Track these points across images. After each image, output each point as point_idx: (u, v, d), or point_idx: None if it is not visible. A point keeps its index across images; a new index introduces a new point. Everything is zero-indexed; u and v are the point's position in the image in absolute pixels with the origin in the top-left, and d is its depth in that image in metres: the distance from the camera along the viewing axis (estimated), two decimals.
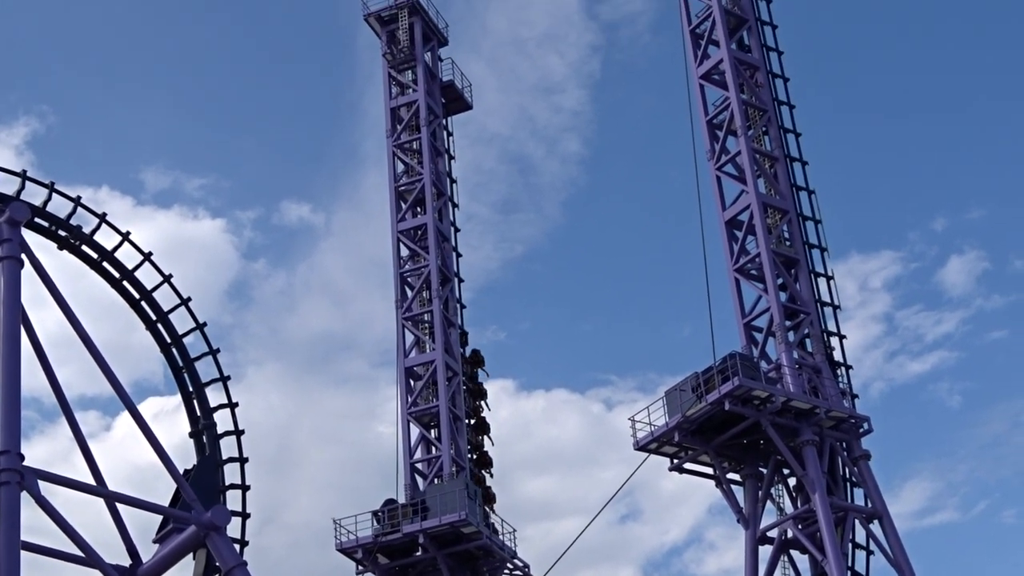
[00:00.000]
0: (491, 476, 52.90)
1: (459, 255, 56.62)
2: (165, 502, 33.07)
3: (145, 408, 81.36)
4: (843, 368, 48.36)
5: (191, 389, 38.28)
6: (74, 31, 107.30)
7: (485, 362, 54.87)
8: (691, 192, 51.40)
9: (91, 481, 31.46)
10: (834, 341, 48.78)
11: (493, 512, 51.72)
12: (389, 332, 54.44)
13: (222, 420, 37.33)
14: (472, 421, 53.41)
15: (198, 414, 37.90)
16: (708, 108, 52.11)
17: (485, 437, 53.55)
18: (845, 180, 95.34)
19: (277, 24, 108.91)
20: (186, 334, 38.34)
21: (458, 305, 55.40)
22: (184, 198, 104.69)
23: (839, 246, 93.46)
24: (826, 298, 49.42)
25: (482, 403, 53.99)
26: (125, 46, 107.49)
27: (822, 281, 49.66)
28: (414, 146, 57.37)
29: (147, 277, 37.41)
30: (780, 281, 48.96)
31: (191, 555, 34.26)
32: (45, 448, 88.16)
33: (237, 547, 35.44)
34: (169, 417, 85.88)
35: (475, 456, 52.76)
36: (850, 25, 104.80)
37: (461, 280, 56.17)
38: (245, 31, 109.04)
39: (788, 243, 49.80)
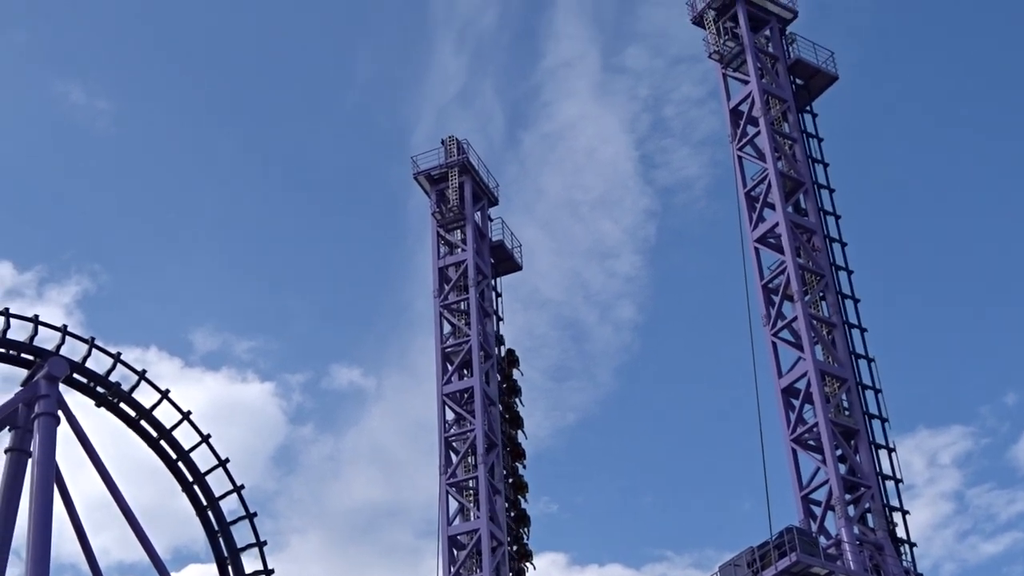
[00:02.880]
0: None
1: (516, 424, 57.23)
2: None
3: None
4: (907, 545, 47.58)
5: (226, 554, 38.18)
6: (128, 190, 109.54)
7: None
8: (746, 359, 51.31)
9: None
10: (897, 517, 48.02)
11: None
12: (435, 500, 54.29)
13: None
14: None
15: None
16: (764, 272, 52.25)
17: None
18: (911, 350, 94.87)
19: (328, 182, 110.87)
20: (223, 496, 38.31)
21: (504, 471, 55.21)
22: (233, 360, 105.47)
23: (905, 419, 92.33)
24: (888, 471, 48.79)
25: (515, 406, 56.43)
26: (178, 205, 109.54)
27: (884, 453, 49.13)
28: (462, 307, 57.78)
29: (186, 437, 37.70)
30: (839, 453, 48.49)
31: None
32: None
33: None
34: None
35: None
36: (915, 179, 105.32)
37: (522, 454, 56.54)
38: (296, 189, 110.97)
39: (847, 413, 49.42)
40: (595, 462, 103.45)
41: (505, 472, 55.61)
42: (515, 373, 58.33)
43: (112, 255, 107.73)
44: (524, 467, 56.57)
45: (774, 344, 50.84)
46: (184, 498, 37.86)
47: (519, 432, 57.06)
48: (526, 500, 56.09)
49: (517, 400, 57.80)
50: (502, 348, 58.59)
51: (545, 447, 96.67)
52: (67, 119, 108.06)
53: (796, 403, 49.38)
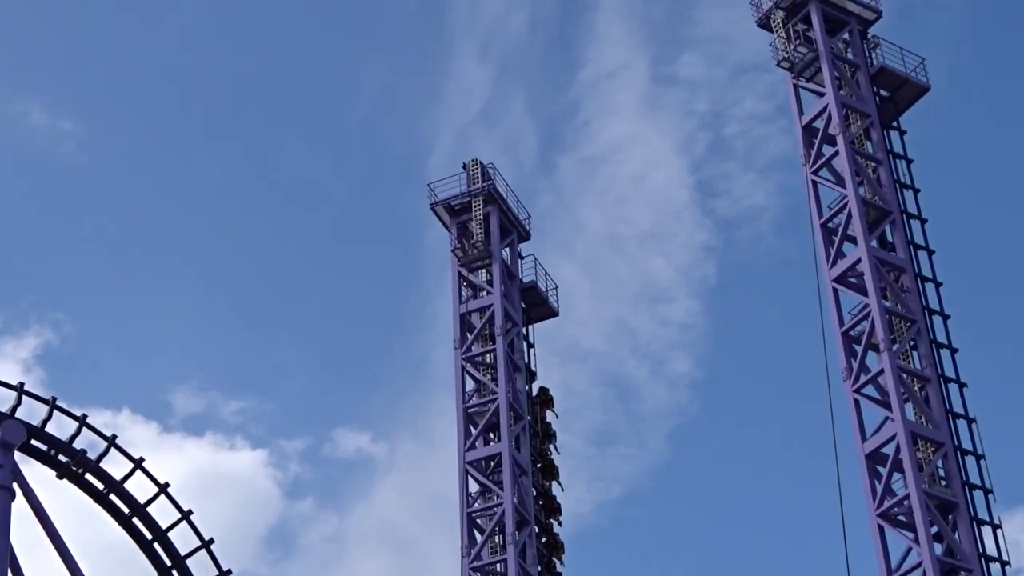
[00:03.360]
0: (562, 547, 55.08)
1: (551, 475, 57.67)
2: None
3: None
4: None
5: None
6: (98, 225, 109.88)
7: None
8: (824, 420, 51.23)
9: None
10: None
11: None
12: None
13: None
14: (544, 485, 55.80)
15: None
16: (844, 318, 52.02)
17: (552, 501, 55.80)
18: (1019, 409, 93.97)
19: (330, 215, 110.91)
20: None
21: (536, 553, 54.77)
22: (219, 424, 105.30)
23: (1013, 490, 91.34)
24: (993, 552, 48.39)
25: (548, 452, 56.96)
26: (155, 243, 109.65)
27: (987, 531, 48.73)
28: (488, 360, 57.62)
29: (163, 514, 37.51)
30: (935, 530, 48.17)
31: None
32: None
33: None
34: None
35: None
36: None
37: (556, 510, 56.87)
38: (292, 224, 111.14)
39: (944, 483, 49.11)
40: (645, 543, 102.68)
41: (539, 564, 55.13)
42: (548, 415, 58.70)
43: (78, 302, 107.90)
44: (562, 553, 56.75)
45: (857, 402, 50.55)
46: None
47: (553, 484, 57.48)
48: None
49: (552, 447, 58.15)
50: (532, 388, 58.60)
51: (586, 524, 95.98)
52: (25, 143, 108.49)
53: (883, 472, 49.03)
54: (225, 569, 38.82)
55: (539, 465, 57.22)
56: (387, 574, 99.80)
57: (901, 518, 48.55)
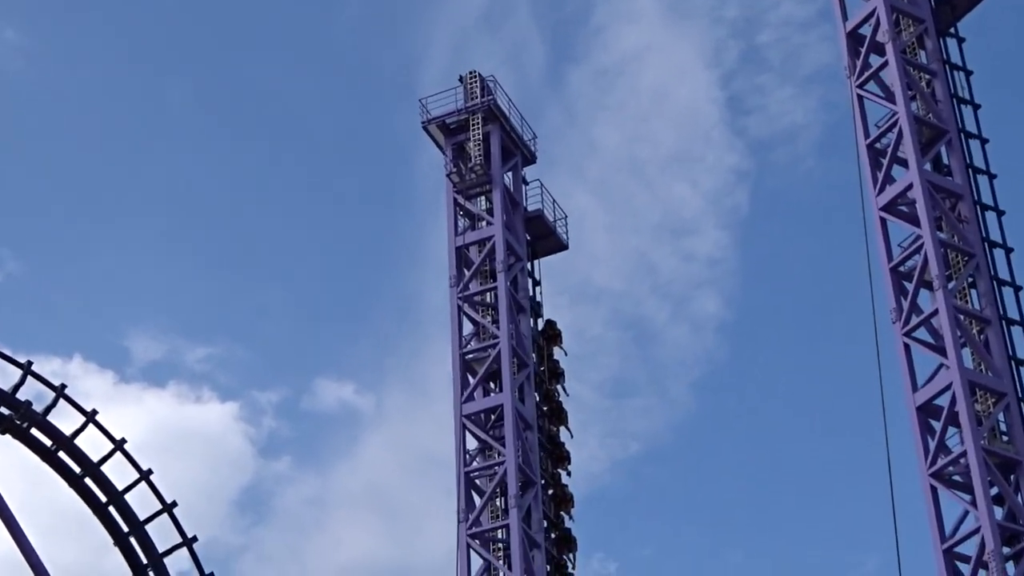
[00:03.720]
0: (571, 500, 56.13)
1: (560, 419, 57.68)
2: None
3: None
4: None
5: None
6: (46, 150, 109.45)
7: None
8: (869, 368, 51.05)
9: None
10: None
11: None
12: (452, 557, 54.10)
13: None
14: (550, 430, 56.64)
15: None
16: (892, 252, 52.08)
17: (561, 448, 56.58)
18: None
19: (310, 136, 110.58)
20: (168, 552, 38.24)
21: (544, 518, 54.76)
22: (183, 373, 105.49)
23: None
24: None
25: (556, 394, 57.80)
26: (113, 170, 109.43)
27: None
28: (487, 299, 57.64)
29: (120, 474, 37.40)
30: (995, 492, 48.17)
31: None
32: None
33: None
34: None
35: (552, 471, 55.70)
36: None
37: (565, 487, 56.65)
38: (268, 146, 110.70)
39: (1006, 439, 49.13)
40: (667, 506, 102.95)
41: (546, 520, 55.30)
42: (556, 352, 59.01)
43: (24, 237, 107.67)
44: (571, 507, 56.82)
45: (907, 347, 50.63)
46: (118, 555, 37.27)
47: (561, 429, 57.81)
48: (574, 558, 55.95)
49: (560, 388, 58.48)
50: (539, 322, 58.87)
51: (600, 485, 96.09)
52: None
53: (937, 426, 49.17)
54: (190, 535, 38.70)
55: (545, 408, 57.52)
56: (374, 541, 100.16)
57: (957, 478, 48.65)
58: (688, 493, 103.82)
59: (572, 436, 58.14)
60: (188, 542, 38.56)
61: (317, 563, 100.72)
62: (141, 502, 38.00)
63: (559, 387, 58.46)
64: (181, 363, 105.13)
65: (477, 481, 54.70)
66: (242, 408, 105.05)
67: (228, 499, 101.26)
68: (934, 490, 48.49)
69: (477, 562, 53.43)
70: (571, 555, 56.04)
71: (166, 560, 38.86)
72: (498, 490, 53.96)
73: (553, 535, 55.79)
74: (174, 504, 38.25)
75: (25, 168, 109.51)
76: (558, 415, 57.85)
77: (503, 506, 53.77)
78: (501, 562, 53.02)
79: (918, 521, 48.73)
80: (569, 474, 57.49)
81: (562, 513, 56.47)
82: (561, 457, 57.29)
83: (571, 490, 57.12)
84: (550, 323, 59.10)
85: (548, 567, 54.40)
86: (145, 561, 38.21)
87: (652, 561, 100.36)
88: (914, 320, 50.68)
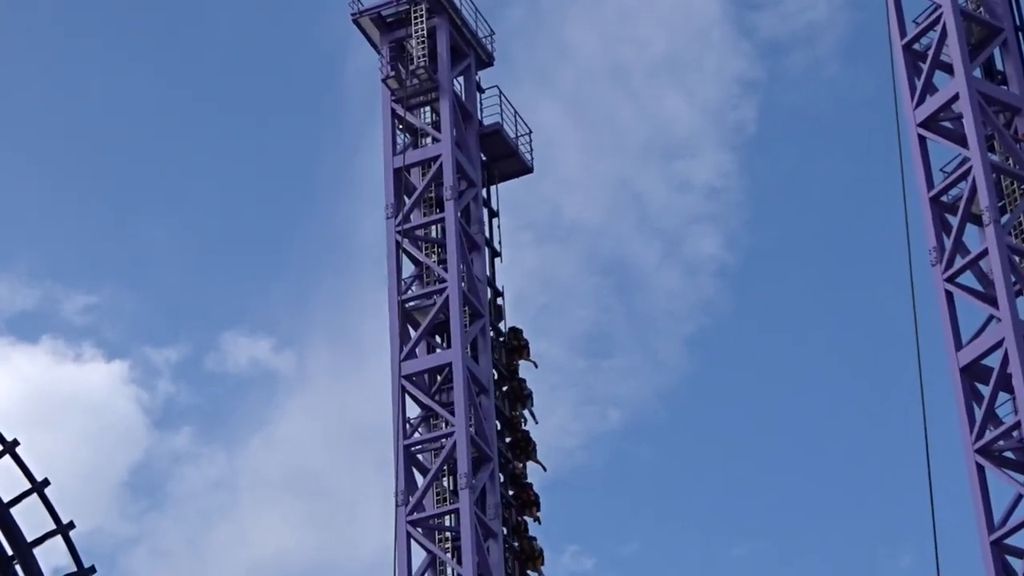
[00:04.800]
0: (541, 556, 55.90)
1: (526, 453, 57.48)
2: None
3: None
4: None
5: None
6: None
7: None
8: (903, 319, 51.68)
9: None
10: None
11: None
12: (389, 550, 54.23)
13: None
14: (515, 467, 56.31)
15: None
16: (933, 178, 52.55)
17: (528, 490, 56.39)
18: None
19: (214, 38, 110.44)
20: (39, 541, 38.46)
21: (501, 501, 55.35)
22: (60, 326, 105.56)
23: None
24: None
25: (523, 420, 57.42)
26: None
27: None
28: (433, 234, 57.95)
29: None
30: None
31: None
32: None
33: None
34: None
35: (516, 519, 55.63)
36: None
37: (530, 487, 57.00)
38: (160, 53, 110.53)
39: None
40: (654, 490, 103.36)
41: (504, 503, 55.51)
42: (522, 366, 58.45)
43: None
44: (537, 503, 57.14)
45: (949, 296, 51.12)
46: None
47: (526, 414, 57.69)
48: (542, 556, 56.12)
49: (527, 414, 57.94)
50: (500, 302, 58.63)
51: (573, 465, 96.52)
52: None
53: (985, 391, 49.64)
54: (65, 521, 38.96)
55: (508, 440, 57.18)
56: (293, 533, 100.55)
57: (1008, 455, 49.36)
58: (679, 475, 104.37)
59: (537, 422, 58.15)
60: (63, 529, 38.80)
61: (223, 559, 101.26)
62: (7, 481, 38.40)
63: (526, 413, 57.96)
64: (57, 315, 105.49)
65: (420, 456, 54.91)
66: (132, 369, 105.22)
67: (115, 480, 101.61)
68: (980, 469, 49.09)
69: (420, 555, 53.68)
70: (536, 551, 56.09)
71: (36, 551, 39.19)
72: (445, 468, 54.20)
73: (515, 519, 56.07)
74: (45, 483, 38.49)
75: None
76: (524, 449, 57.46)
77: (451, 487, 54.07)
78: (449, 555, 53.40)
79: (962, 507, 49.55)
80: (544, 468, 57.61)
81: (525, 518, 56.56)
82: (523, 448, 57.23)
83: (536, 491, 56.94)
84: (515, 332, 58.52)
85: (508, 557, 54.70)
86: (11, 552, 38.54)
87: (636, 558, 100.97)
88: (959, 262, 51.17)
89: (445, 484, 54.46)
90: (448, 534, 53.97)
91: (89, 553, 38.83)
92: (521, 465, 56.75)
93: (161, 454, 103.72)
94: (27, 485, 38.46)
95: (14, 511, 38.44)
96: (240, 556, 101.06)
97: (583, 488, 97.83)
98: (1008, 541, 48.61)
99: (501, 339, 58.12)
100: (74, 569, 39.03)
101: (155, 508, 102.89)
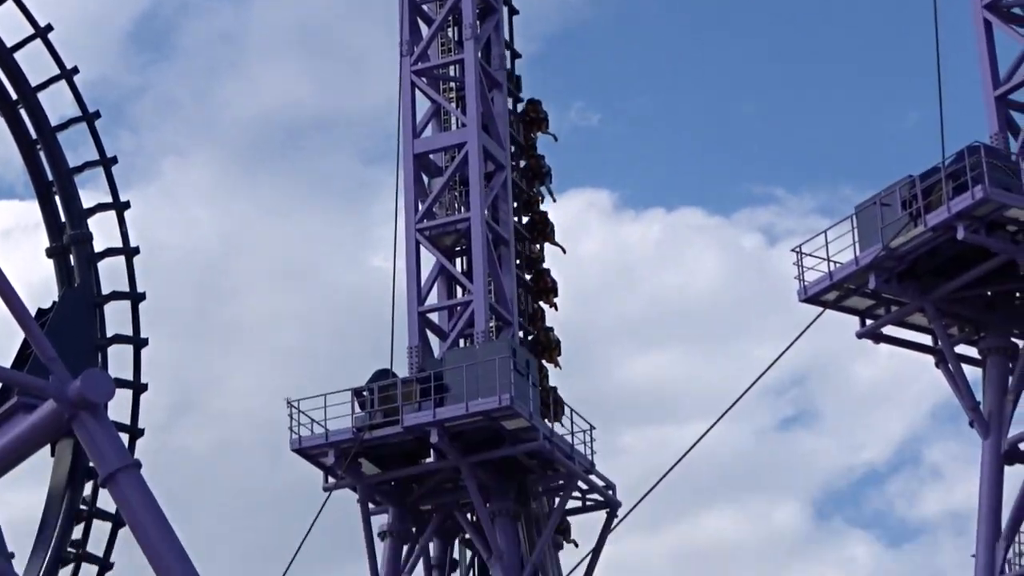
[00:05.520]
0: (557, 347, 53.65)
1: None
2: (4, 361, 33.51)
3: None
4: None
5: (51, 178, 38.85)
6: None
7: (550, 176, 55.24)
8: None
9: None
10: None
11: (558, 402, 52.20)
12: (394, 101, 54.66)
13: (103, 230, 37.87)
14: (531, 250, 54.31)
15: (62, 219, 38.47)
16: None
17: (545, 276, 54.16)
18: None
19: None
20: (42, 86, 38.89)
21: (507, 53, 55.32)
22: None
23: None
24: None
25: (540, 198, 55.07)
26: None
27: None
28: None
29: None
30: None
31: (48, 449, 34.74)
32: None
33: (125, 438, 35.88)
34: (30, 234, 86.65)
35: (532, 306, 53.64)
36: None
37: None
38: None
39: None
40: (663, 46, 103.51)
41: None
42: (540, 140, 56.48)
43: None
44: (555, 289, 54.53)
45: None
46: None
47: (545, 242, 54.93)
48: (558, 346, 53.97)
49: (544, 191, 55.77)
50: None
51: (577, 19, 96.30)
52: None
53: None
54: (71, 67, 39.34)
55: (524, 221, 54.92)
56: (301, 86, 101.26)
57: (1017, 11, 49.47)
58: (688, 26, 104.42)
59: (555, 200, 55.98)
60: (67, 74, 39.27)
61: (229, 110, 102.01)
62: (11, 29, 38.68)
63: (543, 190, 55.73)
64: None
65: (425, 8, 54.63)
66: None
67: (121, 32, 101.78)
68: (988, 25, 49.24)
69: (424, 105, 53.98)
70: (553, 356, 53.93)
71: (41, 96, 39.63)
72: (450, 19, 54.02)
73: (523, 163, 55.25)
74: (49, 28, 38.81)
75: None
76: (541, 230, 55.30)
77: (456, 38, 53.90)
78: (453, 104, 53.60)
79: (967, 63, 50.14)
80: (555, 308, 54.57)
81: (542, 305, 54.29)
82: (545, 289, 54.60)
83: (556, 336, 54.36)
84: (533, 103, 55.90)
85: (511, 108, 54.68)
86: (15, 96, 38.96)
87: (643, 113, 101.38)
88: None
89: (450, 35, 54.26)
90: (452, 84, 54.05)
91: (95, 101, 39.46)
92: (538, 247, 54.79)
93: (165, 4, 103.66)
94: (31, 31, 38.83)
95: (18, 57, 38.83)
96: (246, 108, 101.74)
97: (589, 41, 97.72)
98: (1013, 96, 49.02)
99: (518, 110, 56.16)
100: (78, 114, 39.56)
101: (161, 59, 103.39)
